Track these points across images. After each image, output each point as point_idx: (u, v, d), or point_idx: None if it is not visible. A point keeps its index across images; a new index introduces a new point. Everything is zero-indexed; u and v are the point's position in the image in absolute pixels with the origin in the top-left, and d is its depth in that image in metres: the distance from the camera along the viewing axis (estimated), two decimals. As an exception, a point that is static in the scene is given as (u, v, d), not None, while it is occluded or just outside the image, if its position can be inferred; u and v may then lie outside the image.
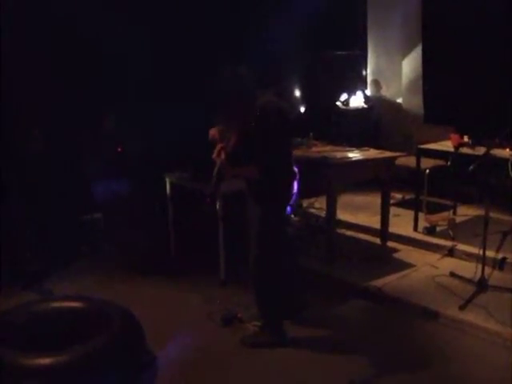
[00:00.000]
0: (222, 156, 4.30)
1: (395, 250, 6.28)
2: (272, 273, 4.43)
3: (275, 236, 4.42)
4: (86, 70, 6.48)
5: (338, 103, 8.91)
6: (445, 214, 6.77)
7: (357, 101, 8.89)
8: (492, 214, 5.28)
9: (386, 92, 9.01)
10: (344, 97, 8.89)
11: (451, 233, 6.29)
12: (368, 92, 9.06)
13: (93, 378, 3.72)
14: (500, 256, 5.52)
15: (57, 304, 4.46)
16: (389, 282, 5.48)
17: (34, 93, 6.10)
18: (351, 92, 8.90)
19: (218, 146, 4.34)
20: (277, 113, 4.24)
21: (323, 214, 6.43)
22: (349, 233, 6.82)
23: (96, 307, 4.35)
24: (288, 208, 4.46)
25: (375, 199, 6.65)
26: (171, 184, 6.20)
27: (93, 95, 6.58)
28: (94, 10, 6.37)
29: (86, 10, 6.33)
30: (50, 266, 5.97)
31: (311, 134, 6.47)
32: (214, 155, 4.34)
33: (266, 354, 4.44)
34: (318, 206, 7.36)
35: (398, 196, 7.64)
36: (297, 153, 5.28)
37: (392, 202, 6.92)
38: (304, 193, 6.75)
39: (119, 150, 6.94)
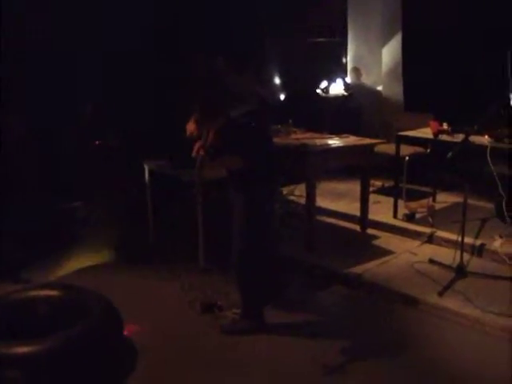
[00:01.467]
0: (201, 153, 4.28)
1: (375, 237, 6.29)
2: (255, 261, 4.42)
3: (259, 224, 4.40)
4: (66, 59, 6.41)
5: (317, 90, 8.89)
6: (424, 201, 6.79)
7: (337, 88, 8.87)
8: (471, 201, 5.33)
9: (366, 79, 9.00)
10: (324, 84, 8.86)
11: (430, 219, 6.31)
12: (348, 79, 9.05)
13: (71, 365, 3.70)
14: (478, 242, 5.57)
15: (34, 293, 4.43)
16: (368, 268, 5.49)
17: (15, 80, 6.04)
18: (331, 79, 8.87)
19: (197, 145, 4.33)
20: (258, 102, 4.23)
21: (303, 201, 6.42)
22: (329, 220, 6.82)
23: (73, 295, 4.32)
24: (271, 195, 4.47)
25: (355, 186, 6.66)
26: (150, 171, 6.15)
27: (71, 84, 6.52)
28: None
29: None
30: (28, 255, 5.91)
31: (290, 121, 6.45)
32: (194, 153, 4.33)
33: (245, 340, 4.43)
34: (297, 193, 7.35)
35: (378, 183, 7.65)
36: (276, 140, 5.26)
37: (372, 189, 6.93)
38: (284, 180, 6.78)
39: (97, 142, 6.88)
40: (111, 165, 6.80)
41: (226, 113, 4.19)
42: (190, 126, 4.42)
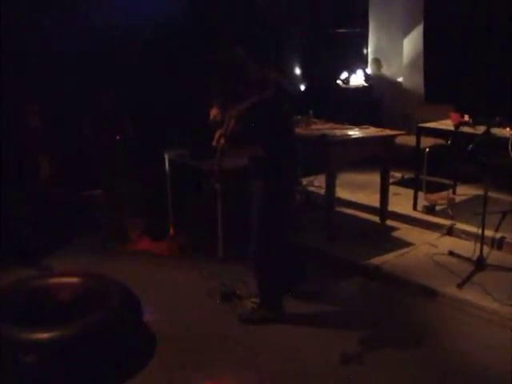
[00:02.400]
0: (222, 142, 4.31)
1: (394, 229, 6.28)
2: (274, 251, 4.44)
3: (278, 214, 4.42)
4: (84, 49, 6.44)
5: (338, 81, 8.88)
6: (444, 193, 6.76)
7: (357, 79, 8.86)
8: (491, 194, 5.28)
9: (386, 71, 8.97)
10: (344, 75, 8.86)
11: (450, 212, 6.28)
12: (368, 70, 9.02)
13: (91, 352, 3.74)
14: (499, 235, 5.53)
15: (55, 280, 4.48)
16: (387, 260, 5.48)
17: (33, 67, 6.07)
18: (352, 70, 8.86)
19: (217, 134, 4.35)
20: (280, 91, 4.24)
21: (323, 192, 6.42)
22: (348, 211, 6.81)
23: (93, 283, 4.36)
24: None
25: (375, 178, 6.63)
26: (170, 161, 6.17)
27: (90, 72, 6.54)
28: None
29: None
30: (49, 243, 5.97)
31: (311, 111, 6.45)
32: (214, 142, 4.36)
33: (264, 329, 4.46)
34: (317, 184, 7.35)
35: (398, 175, 7.62)
36: (297, 131, 5.25)
37: (392, 180, 6.91)
38: (304, 171, 6.77)
39: (118, 138, 6.88)
40: (132, 157, 6.81)
41: (246, 100, 4.21)
42: (214, 111, 4.49)
